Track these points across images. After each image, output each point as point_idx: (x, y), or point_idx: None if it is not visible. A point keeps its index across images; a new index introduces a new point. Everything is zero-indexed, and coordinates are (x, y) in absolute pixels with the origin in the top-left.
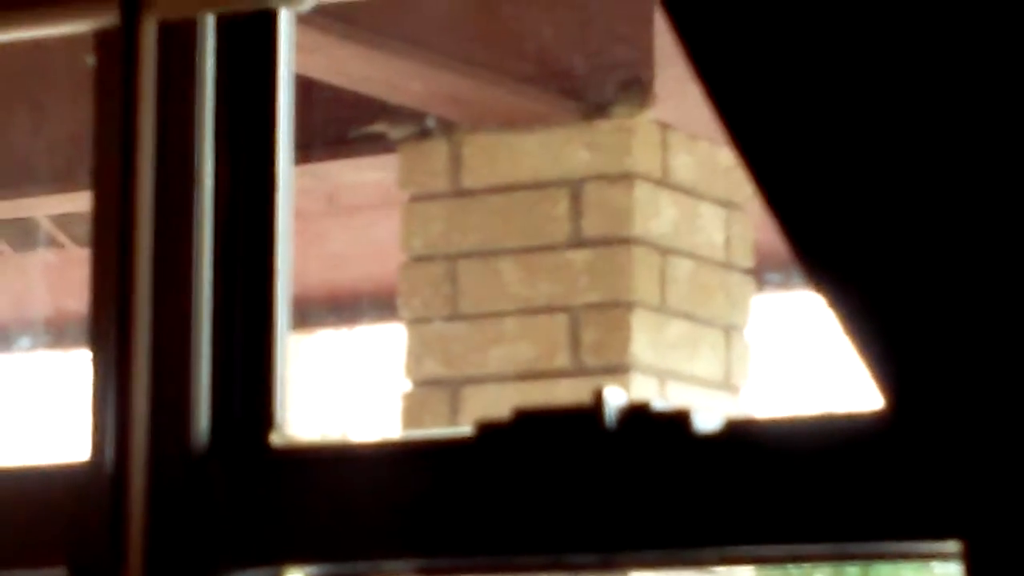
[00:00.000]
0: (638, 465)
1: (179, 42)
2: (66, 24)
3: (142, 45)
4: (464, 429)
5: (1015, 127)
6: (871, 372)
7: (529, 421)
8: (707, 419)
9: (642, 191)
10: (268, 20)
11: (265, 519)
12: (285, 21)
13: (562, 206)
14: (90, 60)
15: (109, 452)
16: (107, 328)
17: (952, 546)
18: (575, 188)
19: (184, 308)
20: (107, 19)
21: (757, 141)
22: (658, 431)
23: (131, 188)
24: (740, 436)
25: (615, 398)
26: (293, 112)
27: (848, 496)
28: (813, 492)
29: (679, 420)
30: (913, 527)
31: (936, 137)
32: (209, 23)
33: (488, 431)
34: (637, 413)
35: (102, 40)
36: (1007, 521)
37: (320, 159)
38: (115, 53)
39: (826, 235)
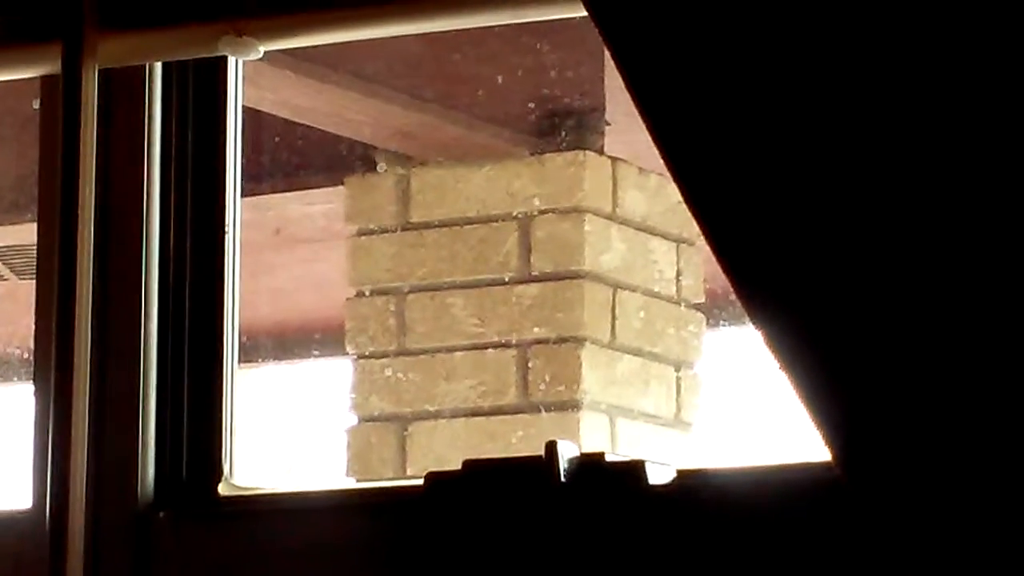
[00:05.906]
0: (591, 518)
1: (126, 82)
2: (9, 71)
3: (84, 92)
4: (415, 480)
5: (964, 162)
6: (816, 423)
7: (480, 473)
8: (660, 472)
9: (592, 225)
10: (218, 61)
11: (212, 571)
12: (234, 63)
13: (511, 240)
14: (36, 104)
15: (50, 499)
16: (49, 368)
17: None
18: (524, 222)
19: (131, 351)
20: (49, 67)
21: (699, 176)
22: (611, 484)
23: (73, 225)
24: (694, 489)
25: (568, 450)
26: (242, 148)
27: (802, 551)
28: (767, 546)
29: (632, 472)
30: None
31: (885, 171)
32: (158, 64)
33: (438, 482)
34: (590, 465)
35: (47, 84)
36: None
37: (267, 191)
38: (58, 98)
39: (767, 271)
